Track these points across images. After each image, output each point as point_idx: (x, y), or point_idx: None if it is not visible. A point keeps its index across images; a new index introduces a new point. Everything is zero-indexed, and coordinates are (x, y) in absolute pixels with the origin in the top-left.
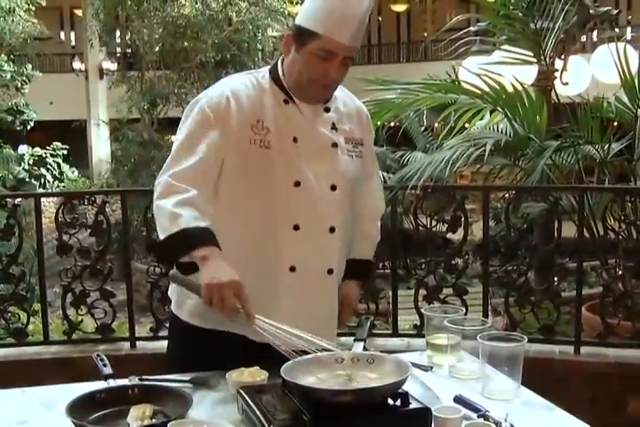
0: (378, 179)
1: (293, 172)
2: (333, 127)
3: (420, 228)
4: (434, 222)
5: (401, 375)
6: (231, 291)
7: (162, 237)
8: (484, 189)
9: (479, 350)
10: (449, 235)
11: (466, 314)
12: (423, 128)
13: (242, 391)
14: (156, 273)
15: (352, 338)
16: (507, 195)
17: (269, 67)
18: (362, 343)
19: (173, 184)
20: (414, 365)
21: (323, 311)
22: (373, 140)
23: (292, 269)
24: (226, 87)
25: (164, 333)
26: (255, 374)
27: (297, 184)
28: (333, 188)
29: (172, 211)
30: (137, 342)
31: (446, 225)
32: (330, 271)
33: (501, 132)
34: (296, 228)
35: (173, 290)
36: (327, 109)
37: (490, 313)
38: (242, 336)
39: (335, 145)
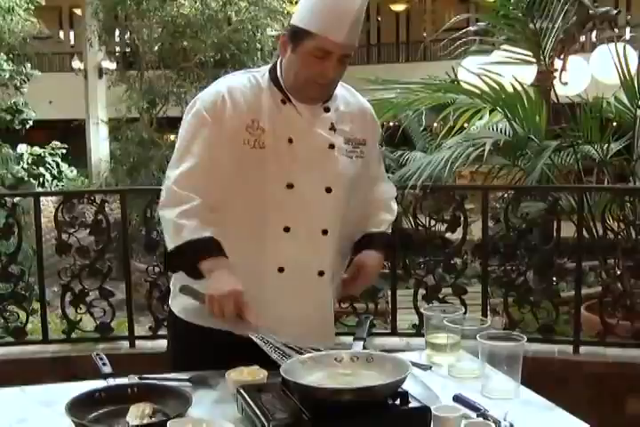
0: (384, 178)
1: (287, 173)
2: (332, 128)
3: (420, 227)
4: (433, 222)
5: (400, 375)
6: (231, 301)
7: (169, 247)
8: (483, 188)
9: (478, 350)
10: (448, 235)
11: (465, 314)
12: (422, 128)
13: (241, 390)
14: (155, 272)
15: (351, 337)
16: (506, 195)
17: (270, 66)
18: (361, 343)
19: (176, 192)
20: (414, 364)
21: (314, 313)
22: (379, 139)
23: (281, 269)
24: (223, 86)
25: (163, 332)
26: (254, 373)
27: (290, 186)
28: (328, 190)
29: (175, 222)
30: (136, 341)
31: (445, 225)
32: (321, 273)
33: (500, 131)
34: (286, 230)
35: (173, 285)
36: (327, 109)
37: (489, 313)
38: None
39: (332, 146)
